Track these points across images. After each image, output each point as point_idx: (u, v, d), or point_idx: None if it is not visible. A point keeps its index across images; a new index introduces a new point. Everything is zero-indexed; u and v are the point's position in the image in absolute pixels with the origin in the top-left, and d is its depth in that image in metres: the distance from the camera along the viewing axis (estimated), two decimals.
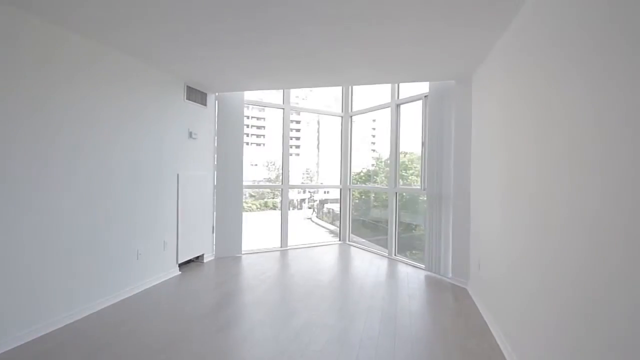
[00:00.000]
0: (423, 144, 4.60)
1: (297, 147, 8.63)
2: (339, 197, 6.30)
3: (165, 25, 2.60)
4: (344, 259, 5.12)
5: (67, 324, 2.74)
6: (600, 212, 1.27)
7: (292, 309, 3.18)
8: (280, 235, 5.58)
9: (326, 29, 2.62)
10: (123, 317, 2.91)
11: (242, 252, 5.11)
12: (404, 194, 5.19)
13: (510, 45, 2.47)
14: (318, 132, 8.11)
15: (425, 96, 4.52)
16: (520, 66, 2.25)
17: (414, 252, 5.13)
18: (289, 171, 5.61)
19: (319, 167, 7.85)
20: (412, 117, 5.03)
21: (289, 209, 6.70)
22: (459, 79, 3.91)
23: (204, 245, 4.67)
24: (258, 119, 9.98)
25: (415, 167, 5.28)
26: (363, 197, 6.39)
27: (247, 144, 4.81)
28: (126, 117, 3.31)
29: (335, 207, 8.14)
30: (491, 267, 2.88)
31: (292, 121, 7.23)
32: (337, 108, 6.31)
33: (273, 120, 8.93)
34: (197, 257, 4.61)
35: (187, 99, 4.24)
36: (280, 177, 5.65)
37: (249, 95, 5.24)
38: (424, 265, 4.50)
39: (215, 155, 4.89)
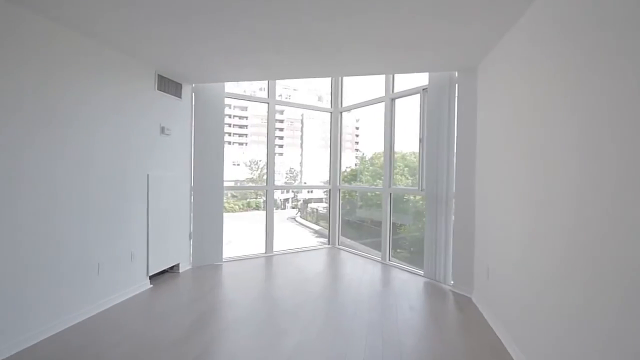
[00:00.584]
0: (421, 140, 4.27)
1: (280, 146, 8.24)
2: (323, 197, 5.98)
3: None
4: (335, 266, 4.73)
5: (12, 354, 2.23)
6: None
7: (281, 329, 2.76)
8: (265, 240, 5.14)
9: (321, 3, 2.21)
10: (80, 343, 2.43)
11: (223, 260, 4.64)
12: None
13: (530, 31, 2.14)
14: (302, 130, 7.77)
15: (424, 89, 4.19)
16: (546, 51, 1.92)
17: (398, 250, 5.03)
18: (274, 171, 5.18)
19: (303, 166, 7.51)
20: (401, 113, 4.71)
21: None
22: (463, 70, 3.59)
23: (180, 254, 4.18)
24: (240, 117, 9.50)
25: (399, 166, 5.20)
26: (347, 196, 6.06)
27: (229, 143, 4.38)
28: (84, 109, 2.81)
29: (319, 206, 7.83)
30: (507, 278, 2.55)
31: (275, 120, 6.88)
32: (323, 106, 5.91)
33: (256, 116, 8.48)
34: (172, 267, 4.12)
35: (158, 89, 3.75)
36: (265, 177, 5.20)
37: (231, 88, 4.78)
38: (422, 272, 4.17)
39: (192, 154, 4.40)
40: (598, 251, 1.46)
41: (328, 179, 5.83)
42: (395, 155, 4.83)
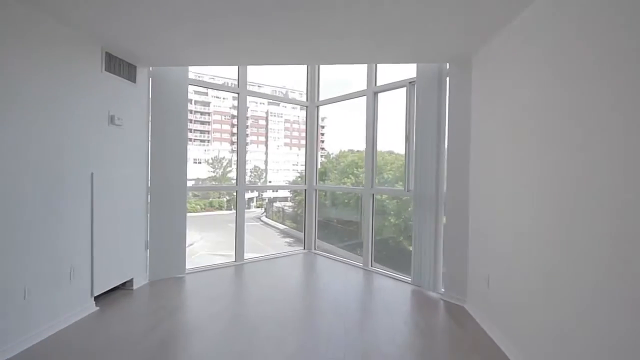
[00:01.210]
0: (407, 137, 3.96)
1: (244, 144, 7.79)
2: (288, 196, 5.66)
3: None
4: (315, 275, 4.30)
5: None
6: None
7: None
8: (234, 247, 4.60)
9: None
10: None
11: (187, 271, 4.05)
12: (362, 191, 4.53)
13: (538, 19, 1.86)
14: (266, 128, 7.35)
15: (410, 82, 3.88)
16: (557, 39, 1.63)
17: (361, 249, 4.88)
18: (245, 169, 4.65)
19: (268, 165, 7.11)
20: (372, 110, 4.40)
21: (235, 209, 5.90)
22: (455, 61, 3.31)
23: (134, 267, 3.55)
24: (202, 113, 8.82)
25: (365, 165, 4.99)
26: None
27: (191, 140, 3.85)
28: (10, 92, 2.16)
29: (285, 205, 7.47)
30: (515, 289, 2.28)
31: (235, 117, 6.50)
32: (299, 99, 5.46)
33: (218, 113, 7.89)
34: (124, 284, 3.47)
35: (107, 70, 3.11)
36: (231, 175, 4.65)
37: (195, 76, 4.19)
38: (408, 278, 3.87)
39: (150, 149, 3.77)
40: None
41: (295, 178, 5.46)
42: (358, 155, 4.58)
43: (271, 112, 7.30)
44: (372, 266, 4.42)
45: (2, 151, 2.16)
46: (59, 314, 2.63)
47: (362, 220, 5.03)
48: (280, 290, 3.63)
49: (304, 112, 5.43)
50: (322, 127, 6.42)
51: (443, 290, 3.51)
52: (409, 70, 3.94)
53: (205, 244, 6.28)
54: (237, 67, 4.54)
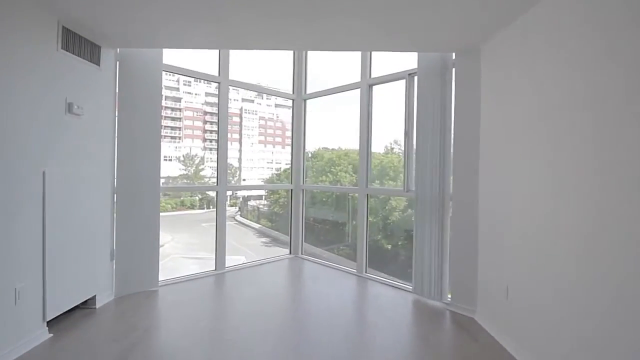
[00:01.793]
0: (406, 133, 3.67)
1: (212, 140, 7.39)
2: (263, 194, 5.36)
3: None
4: (304, 284, 3.93)
5: None
6: None
7: None
8: (215, 253, 4.14)
9: None
10: None
11: (160, 284, 3.56)
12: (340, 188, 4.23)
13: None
14: (240, 125, 6.97)
15: (410, 74, 3.60)
16: (581, 26, 1.38)
17: (341, 248, 4.94)
18: (227, 168, 4.20)
19: (242, 163, 6.73)
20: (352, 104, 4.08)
21: (208, 208, 5.47)
22: (462, 51, 3.06)
23: (97, 281, 3.03)
24: (173, 109, 8.24)
25: (342, 163, 4.93)
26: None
27: (162, 137, 3.40)
28: None
29: (259, 203, 7.14)
30: (541, 302, 2.02)
31: (208, 113, 6.07)
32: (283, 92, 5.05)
33: (189, 109, 7.38)
34: (85, 302, 2.95)
35: (63, 48, 2.59)
36: (216, 175, 4.19)
37: (170, 61, 3.69)
38: (408, 286, 3.59)
39: (116, 143, 3.25)
40: None
41: (270, 176, 5.13)
42: (335, 153, 4.30)
43: (245, 109, 6.96)
44: (366, 272, 4.10)
45: None
46: (0, 346, 2.11)
47: (349, 221, 4.74)
48: (269, 304, 3.22)
49: (280, 110, 5.07)
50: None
51: (449, 299, 3.24)
52: (406, 62, 3.66)
53: (177, 245, 5.78)
54: (217, 57, 4.09)
